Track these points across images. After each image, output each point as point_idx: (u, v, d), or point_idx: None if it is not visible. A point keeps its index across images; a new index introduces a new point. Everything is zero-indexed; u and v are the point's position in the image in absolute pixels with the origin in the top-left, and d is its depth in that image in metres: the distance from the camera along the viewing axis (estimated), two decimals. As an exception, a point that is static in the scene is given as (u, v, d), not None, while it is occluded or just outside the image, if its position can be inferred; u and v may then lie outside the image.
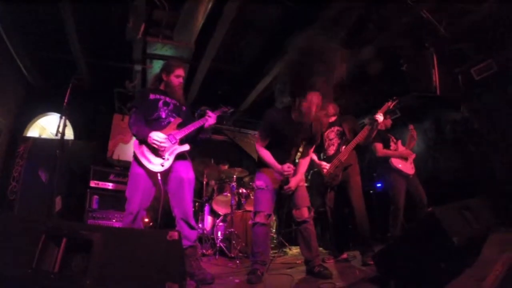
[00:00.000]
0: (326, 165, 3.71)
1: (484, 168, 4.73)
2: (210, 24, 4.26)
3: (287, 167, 2.95)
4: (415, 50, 4.50)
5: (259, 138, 3.17)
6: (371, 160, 6.31)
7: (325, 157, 3.91)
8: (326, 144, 3.93)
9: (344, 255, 3.85)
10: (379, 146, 4.31)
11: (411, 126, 4.51)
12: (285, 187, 3.02)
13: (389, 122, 4.56)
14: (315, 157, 3.88)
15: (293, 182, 3.03)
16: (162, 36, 4.41)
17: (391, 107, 3.75)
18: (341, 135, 3.88)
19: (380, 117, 3.59)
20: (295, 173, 3.08)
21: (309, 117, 2.92)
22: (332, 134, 3.93)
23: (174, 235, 1.41)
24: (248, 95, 6.28)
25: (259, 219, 3.00)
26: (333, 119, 3.98)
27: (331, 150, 3.86)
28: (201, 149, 6.40)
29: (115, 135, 6.10)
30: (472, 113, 5.01)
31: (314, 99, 2.82)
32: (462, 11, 4.14)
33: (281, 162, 3.01)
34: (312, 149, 3.31)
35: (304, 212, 3.06)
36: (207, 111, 3.12)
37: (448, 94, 4.63)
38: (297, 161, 3.33)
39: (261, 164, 3.19)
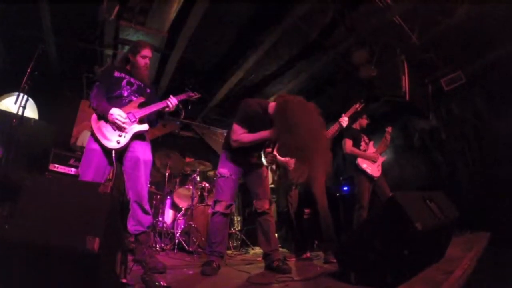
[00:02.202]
0: (292, 161, 3.63)
1: (449, 177, 4.81)
2: (184, 16, 4.20)
3: None
4: (386, 55, 4.56)
5: (238, 127, 2.82)
6: (339, 165, 6.36)
7: None
8: None
9: (307, 254, 3.79)
10: (348, 142, 4.32)
11: (388, 128, 4.52)
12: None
13: (364, 122, 4.55)
14: (278, 156, 3.82)
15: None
16: (135, 21, 4.30)
17: (358, 109, 3.78)
18: None
19: (345, 121, 3.60)
20: None
21: None
22: None
23: (107, 188, 1.32)
24: (218, 91, 6.19)
25: (220, 208, 2.90)
26: None
27: None
28: (168, 143, 6.29)
29: (81, 122, 5.88)
30: (440, 123, 5.12)
31: None
32: (434, 21, 4.23)
33: (245, 159, 2.99)
34: None
35: (265, 203, 3.00)
36: (170, 95, 3.00)
37: (417, 101, 4.72)
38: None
39: (229, 152, 3.02)
